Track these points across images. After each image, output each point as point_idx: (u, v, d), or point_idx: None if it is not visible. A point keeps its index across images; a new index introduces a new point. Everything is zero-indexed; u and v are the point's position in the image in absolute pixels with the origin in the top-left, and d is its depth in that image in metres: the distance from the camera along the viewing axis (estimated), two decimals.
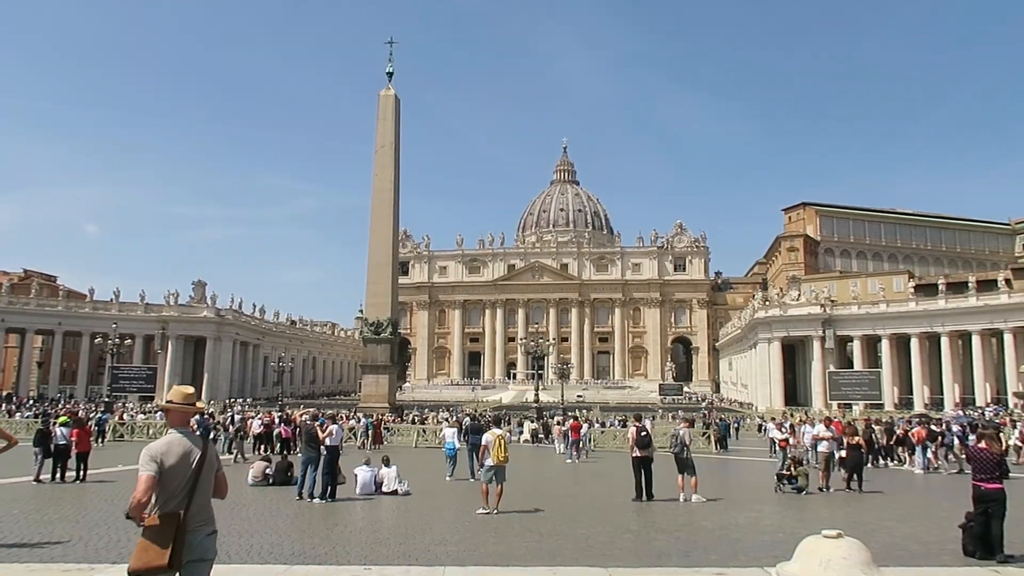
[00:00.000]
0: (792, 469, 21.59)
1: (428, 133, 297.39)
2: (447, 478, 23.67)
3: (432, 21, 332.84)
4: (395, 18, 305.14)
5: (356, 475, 20.04)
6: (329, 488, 18.44)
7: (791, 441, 26.56)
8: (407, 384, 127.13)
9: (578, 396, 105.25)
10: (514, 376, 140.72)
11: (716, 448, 38.35)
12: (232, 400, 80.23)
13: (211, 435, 35.96)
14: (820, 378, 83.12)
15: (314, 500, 18.10)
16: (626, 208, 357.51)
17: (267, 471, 21.88)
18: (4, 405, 68.36)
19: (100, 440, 36.78)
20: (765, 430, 40.63)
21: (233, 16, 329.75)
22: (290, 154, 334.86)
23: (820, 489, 21.38)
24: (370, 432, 38.60)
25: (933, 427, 31.56)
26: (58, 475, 22.06)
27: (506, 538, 13.45)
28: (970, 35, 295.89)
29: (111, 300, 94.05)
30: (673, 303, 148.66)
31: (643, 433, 19.49)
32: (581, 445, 33.63)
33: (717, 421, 47.79)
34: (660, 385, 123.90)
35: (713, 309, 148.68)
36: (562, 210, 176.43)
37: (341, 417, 39.31)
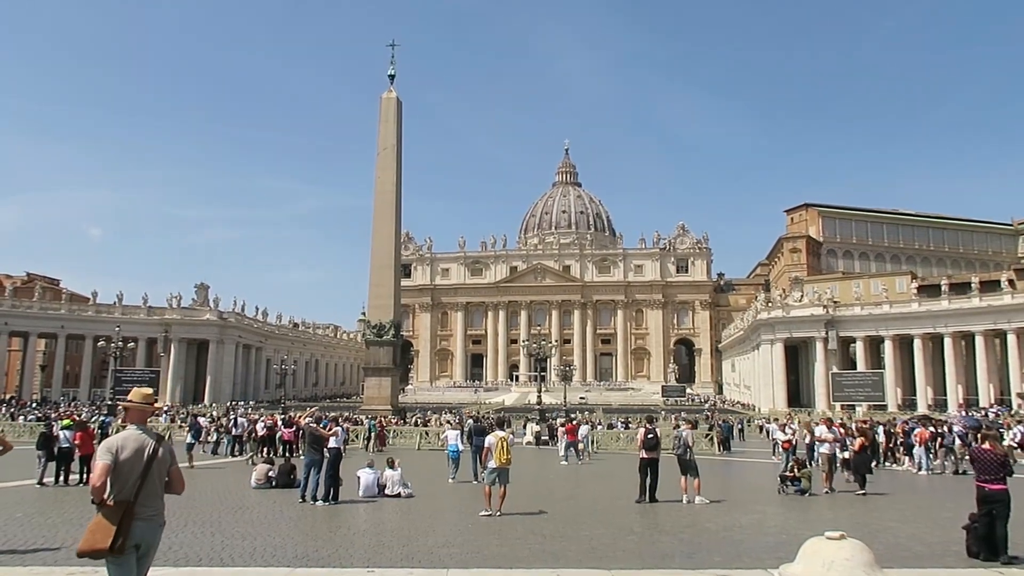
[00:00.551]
0: (795, 470, 21.56)
1: (429, 134, 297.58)
2: (450, 480, 23.66)
3: (433, 22, 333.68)
4: (396, 19, 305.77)
5: (359, 477, 20.03)
6: (332, 491, 18.44)
7: (805, 439, 26.00)
8: (410, 386, 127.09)
9: (581, 398, 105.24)
10: (517, 378, 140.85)
11: (719, 450, 38.33)
12: (235, 403, 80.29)
13: (207, 437, 36.08)
14: (823, 379, 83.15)
15: (317, 503, 18.10)
16: (628, 209, 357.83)
17: (270, 474, 21.88)
18: (5, 408, 68.43)
19: None
20: (768, 432, 40.58)
21: (234, 17, 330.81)
22: (292, 155, 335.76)
23: (826, 492, 21.31)
24: (373, 434, 38.64)
25: (933, 428, 31.50)
26: (61, 478, 22.09)
27: (509, 540, 13.44)
28: (970, 35, 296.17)
29: (114, 303, 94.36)
30: (675, 305, 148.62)
31: (650, 435, 19.47)
32: (581, 447, 33.62)
33: (720, 423, 47.73)
34: (663, 387, 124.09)
35: (716, 310, 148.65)
36: (564, 212, 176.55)
37: (344, 419, 39.36)
